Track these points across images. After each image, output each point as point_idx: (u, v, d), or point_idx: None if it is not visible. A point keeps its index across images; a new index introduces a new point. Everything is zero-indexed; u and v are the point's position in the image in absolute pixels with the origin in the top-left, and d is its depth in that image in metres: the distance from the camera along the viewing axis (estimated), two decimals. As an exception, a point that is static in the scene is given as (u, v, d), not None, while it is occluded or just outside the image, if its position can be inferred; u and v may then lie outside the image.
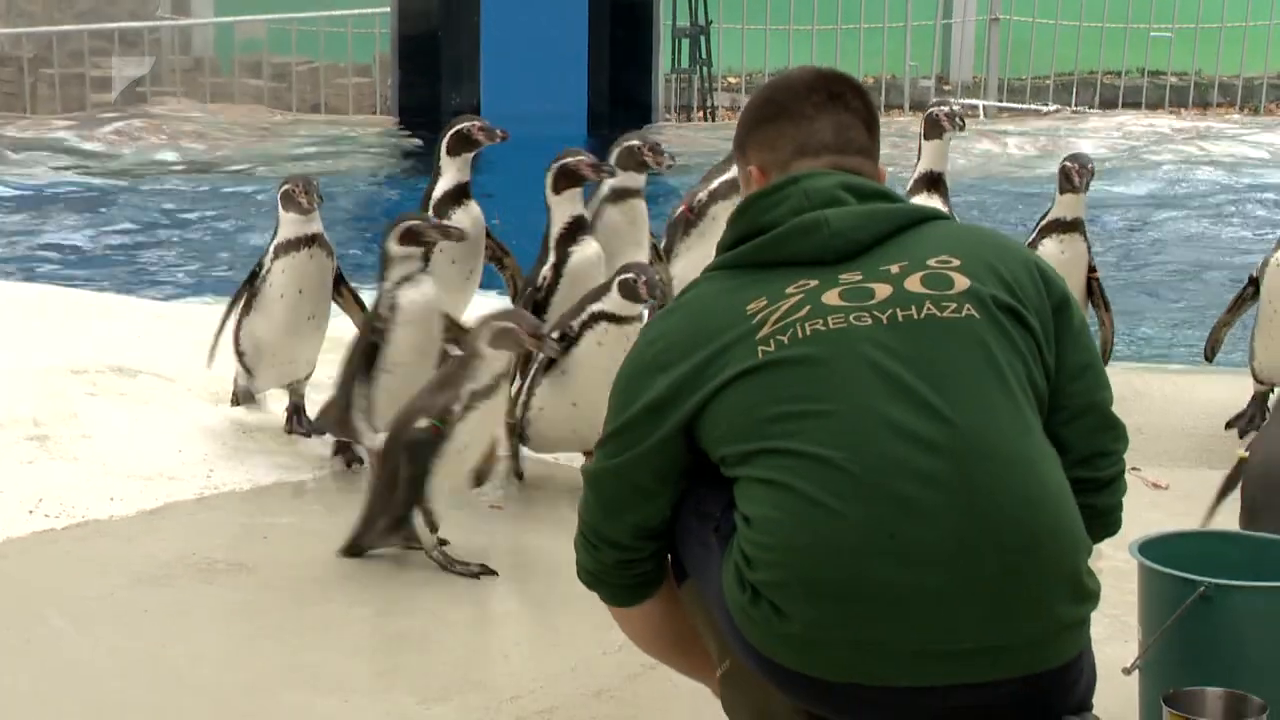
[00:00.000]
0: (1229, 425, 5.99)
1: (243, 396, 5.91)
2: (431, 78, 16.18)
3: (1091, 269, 6.14)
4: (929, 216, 3.18)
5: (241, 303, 5.68)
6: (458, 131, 5.85)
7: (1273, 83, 18.18)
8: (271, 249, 5.61)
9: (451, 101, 16.12)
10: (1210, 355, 6.15)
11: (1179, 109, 17.76)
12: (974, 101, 17.74)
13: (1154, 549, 3.65)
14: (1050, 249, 6.02)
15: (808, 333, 3.01)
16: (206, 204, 12.88)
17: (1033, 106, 17.71)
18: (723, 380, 3.03)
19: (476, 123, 5.84)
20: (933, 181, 6.26)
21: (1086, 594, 2.99)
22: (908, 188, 6.25)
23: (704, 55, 17.72)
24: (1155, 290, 10.46)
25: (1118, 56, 17.86)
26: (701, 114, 17.40)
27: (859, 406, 2.96)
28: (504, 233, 6.23)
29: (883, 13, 17.23)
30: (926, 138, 6.28)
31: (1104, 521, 3.20)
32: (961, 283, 3.04)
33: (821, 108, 3.25)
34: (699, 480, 3.16)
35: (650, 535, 3.20)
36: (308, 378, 5.84)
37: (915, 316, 3.01)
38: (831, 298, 3.04)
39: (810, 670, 2.96)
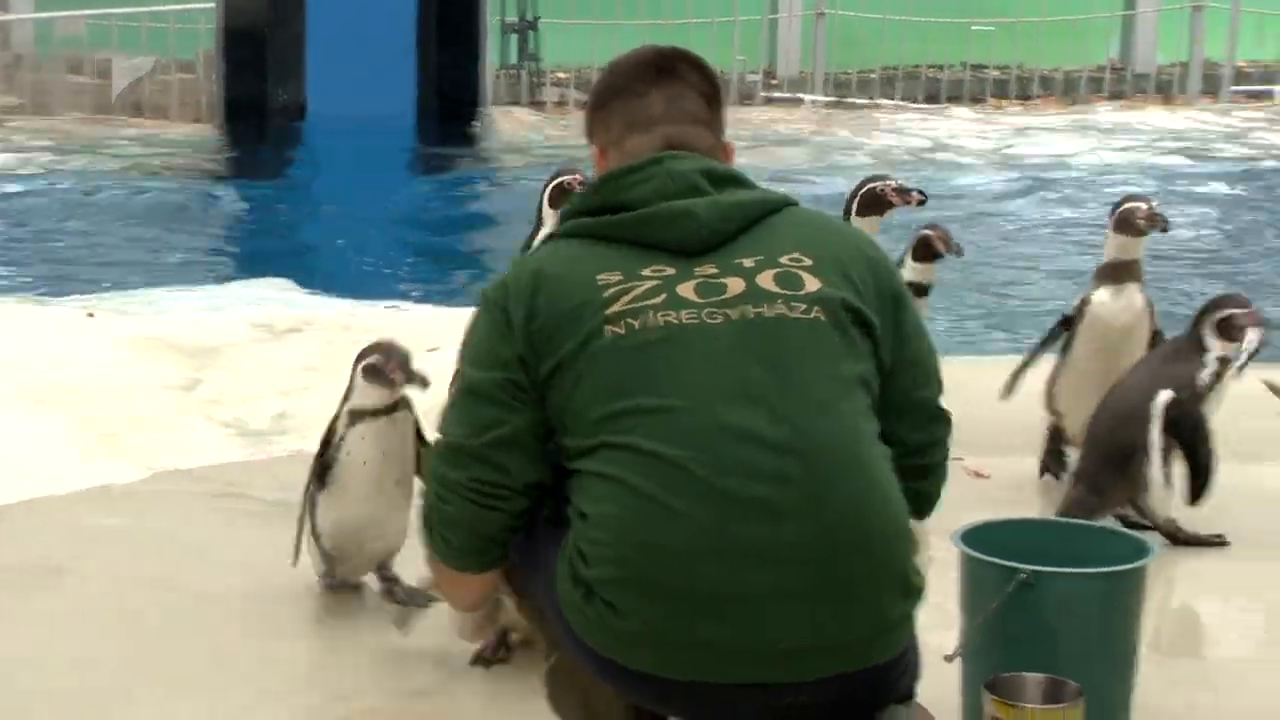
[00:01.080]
0: (1042, 474, 5.56)
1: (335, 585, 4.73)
2: (257, 74, 16.02)
3: None
4: (781, 205, 3.20)
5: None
6: (559, 184, 5.77)
7: (1092, 76, 18.53)
8: (345, 414, 4.55)
9: (278, 99, 16.00)
10: (1007, 392, 5.49)
11: (1001, 101, 18.07)
12: (801, 96, 17.91)
13: (975, 538, 3.70)
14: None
15: (659, 323, 3.02)
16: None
17: (860, 100, 17.91)
18: (569, 350, 3.03)
19: (578, 176, 5.72)
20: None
21: (914, 591, 3.03)
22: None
23: (532, 50, 17.73)
24: (986, 287, 10.63)
25: (942, 50, 18.15)
26: (530, 108, 17.41)
27: (702, 405, 2.97)
28: (331, 225, 6.15)
29: (710, 7, 17.34)
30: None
31: (923, 505, 3.26)
32: (812, 284, 3.07)
33: (652, 83, 3.27)
34: None
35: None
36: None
37: (766, 314, 3.03)
38: (687, 290, 3.05)
39: (643, 667, 2.97)
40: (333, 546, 4.53)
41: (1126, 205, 5.44)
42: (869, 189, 5.48)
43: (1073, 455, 5.34)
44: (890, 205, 5.45)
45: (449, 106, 16.52)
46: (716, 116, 3.31)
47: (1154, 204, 5.41)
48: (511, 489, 3.10)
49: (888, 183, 5.47)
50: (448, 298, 9.02)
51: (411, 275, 11.04)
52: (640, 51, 3.35)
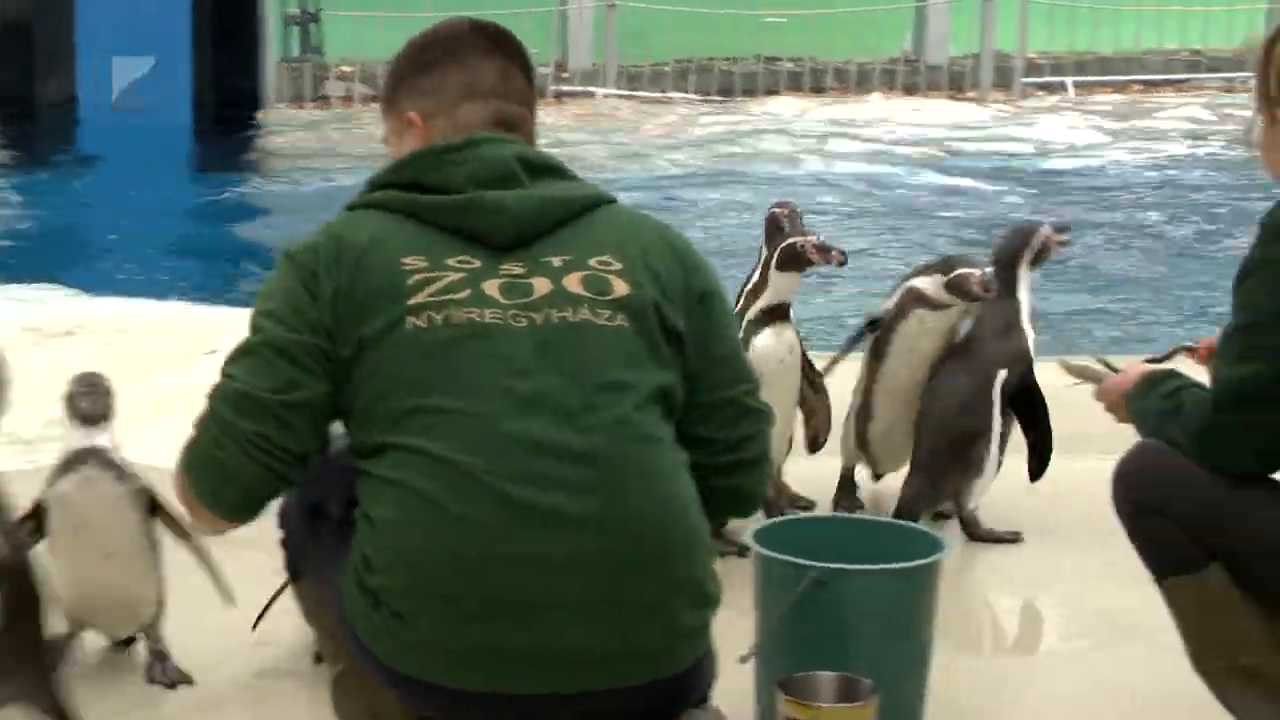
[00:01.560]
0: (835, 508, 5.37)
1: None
2: (23, 67, 15.73)
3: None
4: (596, 202, 3.18)
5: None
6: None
7: (885, 68, 18.82)
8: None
9: (45, 93, 15.72)
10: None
11: (797, 93, 18.28)
12: (593, 90, 17.96)
13: (770, 536, 3.76)
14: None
15: (462, 320, 2.99)
16: None
17: (654, 94, 18.00)
18: (369, 334, 2.99)
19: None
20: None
21: (711, 599, 3.06)
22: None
23: (315, 43, 17.59)
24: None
25: (734, 42, 18.34)
26: (315, 105, 17.27)
27: (498, 411, 2.96)
28: (101, 225, 6.03)
29: (498, -1, 17.34)
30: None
31: (746, 505, 3.30)
32: (620, 289, 3.06)
33: (487, 53, 3.24)
34: (318, 470, 3.11)
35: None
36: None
37: (570, 319, 3.02)
38: (492, 288, 3.02)
39: (433, 678, 2.95)
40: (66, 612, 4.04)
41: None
42: (789, 244, 5.08)
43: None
44: (809, 263, 5.08)
45: (227, 102, 16.33)
46: (534, 98, 3.30)
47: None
48: (295, 455, 3.04)
49: (809, 238, 5.12)
50: (223, 298, 8.91)
51: (185, 275, 10.89)
52: (461, 21, 3.30)
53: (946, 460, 5.12)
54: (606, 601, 2.94)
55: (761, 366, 4.56)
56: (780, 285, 5.08)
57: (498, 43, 3.26)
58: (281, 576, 3.39)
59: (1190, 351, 3.97)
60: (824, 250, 5.06)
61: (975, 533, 5.11)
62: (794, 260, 5.07)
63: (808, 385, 5.23)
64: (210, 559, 4.04)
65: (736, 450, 3.17)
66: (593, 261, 3.09)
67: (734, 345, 3.23)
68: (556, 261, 3.07)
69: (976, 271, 5.12)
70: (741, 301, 5.12)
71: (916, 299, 5.26)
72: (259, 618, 4.18)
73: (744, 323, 5.02)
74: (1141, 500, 3.40)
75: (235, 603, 4.06)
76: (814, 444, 5.33)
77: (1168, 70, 19.29)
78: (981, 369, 5.12)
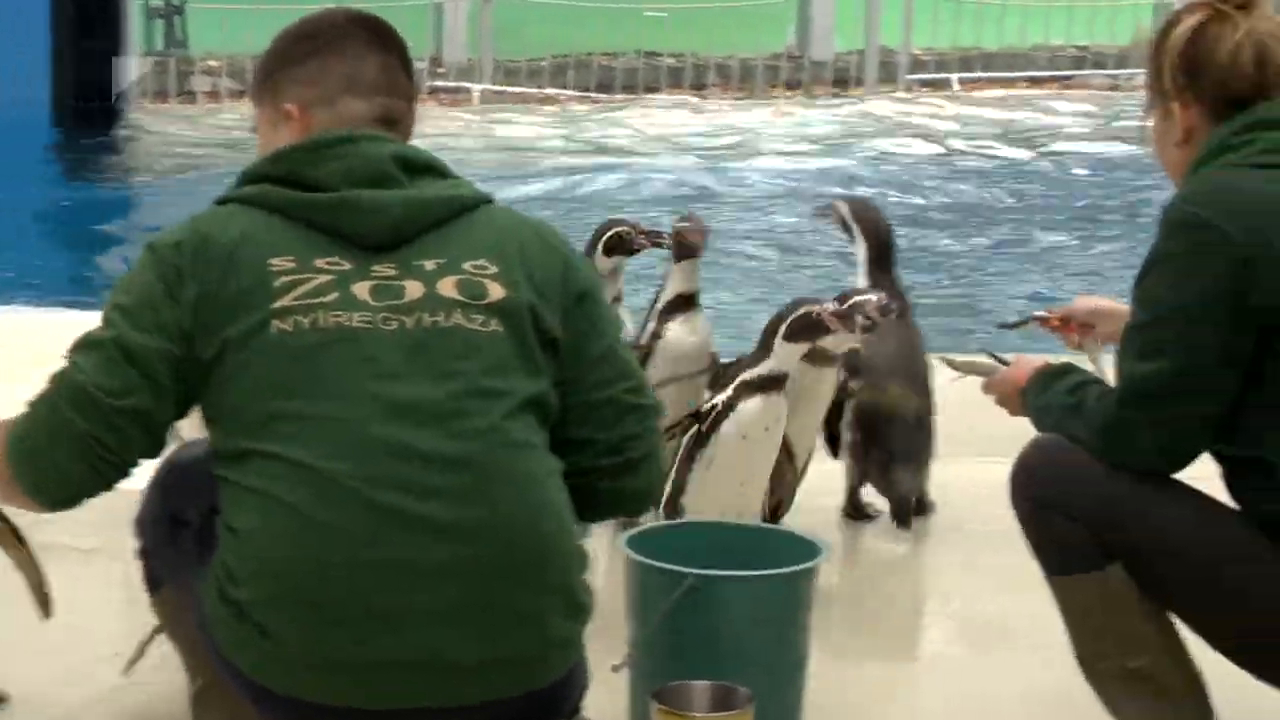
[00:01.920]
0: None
1: None
2: None
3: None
4: (475, 204, 3.16)
5: None
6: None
7: (768, 64, 18.84)
8: None
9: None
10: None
11: (677, 90, 18.28)
12: (469, 85, 17.90)
13: (643, 542, 3.74)
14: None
15: (329, 324, 2.96)
16: None
17: (531, 90, 17.97)
18: (231, 337, 2.96)
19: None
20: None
21: (583, 609, 3.05)
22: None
23: (180, 37, 17.43)
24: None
25: (613, 37, 18.32)
26: (180, 100, 17.11)
27: (365, 417, 2.93)
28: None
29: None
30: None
31: (634, 505, 3.31)
32: (495, 293, 3.04)
33: (368, 45, 3.20)
34: (177, 476, 3.11)
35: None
36: None
37: (442, 323, 3.00)
38: (361, 291, 3.00)
39: (297, 693, 2.92)
40: None
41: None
42: (804, 314, 4.55)
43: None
44: (828, 330, 4.55)
45: (87, 97, 16.14)
46: (416, 96, 3.27)
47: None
48: (126, 463, 3.01)
49: (825, 306, 4.56)
50: (78, 301, 8.67)
51: (40, 278, 10.75)
52: (341, 11, 3.26)
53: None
54: (478, 608, 2.92)
55: (747, 432, 4.50)
56: (785, 355, 4.57)
57: (379, 35, 3.23)
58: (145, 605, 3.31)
59: (1043, 321, 4.01)
60: (847, 318, 4.57)
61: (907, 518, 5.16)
62: (808, 331, 4.58)
63: (784, 454, 4.76)
64: (38, 568, 3.84)
65: (620, 451, 3.17)
66: (468, 265, 3.07)
67: (613, 343, 3.21)
68: (429, 265, 3.05)
69: (872, 297, 4.70)
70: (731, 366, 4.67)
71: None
72: (131, 662, 4.00)
73: (737, 383, 4.54)
74: (1042, 496, 3.39)
75: (51, 614, 3.83)
76: (775, 512, 4.85)
77: (1054, 66, 19.41)
78: (917, 355, 5.16)
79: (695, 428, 4.57)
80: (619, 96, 17.99)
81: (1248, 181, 3.27)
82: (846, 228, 5.29)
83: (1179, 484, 3.34)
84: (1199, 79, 3.36)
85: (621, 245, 5.19)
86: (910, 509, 5.19)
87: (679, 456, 4.55)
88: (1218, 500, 3.35)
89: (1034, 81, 19.20)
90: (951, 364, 3.95)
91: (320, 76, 3.19)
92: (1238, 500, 3.34)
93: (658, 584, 3.61)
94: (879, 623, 4.75)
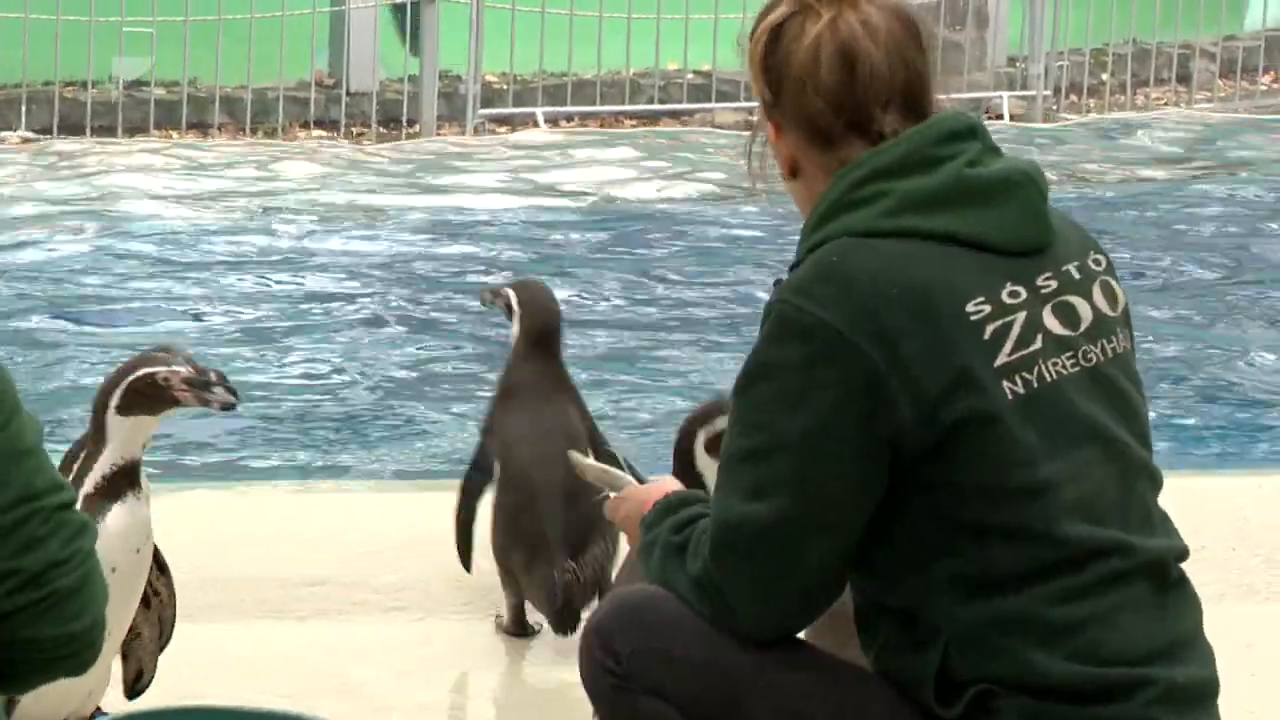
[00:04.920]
0: None
1: None
2: None
3: None
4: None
5: None
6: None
7: (292, 94, 15.25)
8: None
9: None
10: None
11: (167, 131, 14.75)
12: None
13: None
14: None
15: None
16: None
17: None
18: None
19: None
20: None
21: None
22: None
23: None
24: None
25: (82, 60, 14.64)
26: None
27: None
28: None
29: None
30: None
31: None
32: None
33: None
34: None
35: None
36: None
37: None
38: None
39: None
40: None
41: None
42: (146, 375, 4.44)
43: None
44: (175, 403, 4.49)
45: None
46: None
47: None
48: None
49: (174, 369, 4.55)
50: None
51: None
52: None
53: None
54: None
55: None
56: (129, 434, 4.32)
57: None
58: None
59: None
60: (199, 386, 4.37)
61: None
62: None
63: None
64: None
65: None
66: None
67: None
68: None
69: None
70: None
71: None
72: None
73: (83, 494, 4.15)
74: (630, 672, 2.99)
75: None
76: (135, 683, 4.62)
77: (667, 97, 16.31)
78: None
79: None
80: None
81: (879, 261, 2.88)
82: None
83: (806, 658, 3.01)
84: (780, 93, 3.00)
85: None
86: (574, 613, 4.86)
87: None
88: (854, 668, 3.00)
89: (643, 118, 16.11)
90: (581, 468, 3.63)
91: None
92: (876, 659, 2.99)
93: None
94: None
